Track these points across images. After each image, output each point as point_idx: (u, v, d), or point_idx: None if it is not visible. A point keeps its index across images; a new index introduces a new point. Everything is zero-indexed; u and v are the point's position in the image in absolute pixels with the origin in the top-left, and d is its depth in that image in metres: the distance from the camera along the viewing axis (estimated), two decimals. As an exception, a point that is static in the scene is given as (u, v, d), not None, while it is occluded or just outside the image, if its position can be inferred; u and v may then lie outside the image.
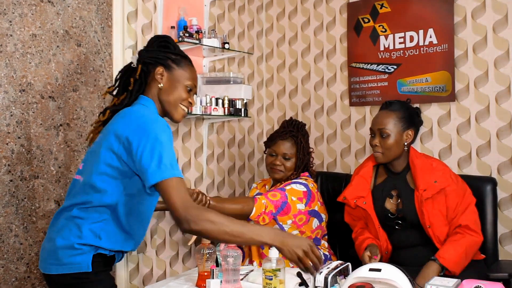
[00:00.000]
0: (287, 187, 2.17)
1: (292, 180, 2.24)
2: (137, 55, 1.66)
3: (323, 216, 2.25)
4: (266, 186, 2.42)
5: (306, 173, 2.33)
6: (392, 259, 2.08)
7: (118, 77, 1.69)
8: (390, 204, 2.10)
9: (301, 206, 2.15)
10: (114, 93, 1.69)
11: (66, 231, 1.51)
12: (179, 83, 1.62)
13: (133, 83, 1.61)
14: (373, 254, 1.94)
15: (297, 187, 2.18)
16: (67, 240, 1.50)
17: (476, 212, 2.04)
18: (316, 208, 2.21)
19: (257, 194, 2.35)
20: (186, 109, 1.66)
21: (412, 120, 2.13)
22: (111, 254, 1.57)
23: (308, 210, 2.17)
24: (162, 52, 1.63)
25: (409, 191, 2.06)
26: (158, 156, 1.41)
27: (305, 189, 2.19)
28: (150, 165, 1.40)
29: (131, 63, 1.65)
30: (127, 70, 1.67)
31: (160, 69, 1.61)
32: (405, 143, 2.09)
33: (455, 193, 2.00)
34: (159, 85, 1.61)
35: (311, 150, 2.38)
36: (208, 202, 1.94)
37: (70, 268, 1.49)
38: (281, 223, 2.13)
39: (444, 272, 1.90)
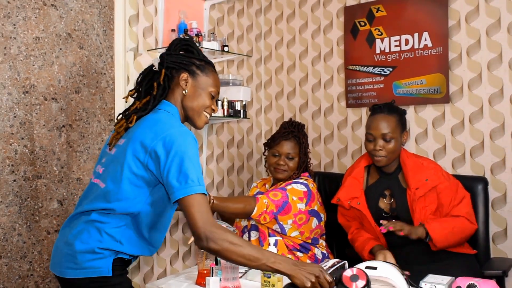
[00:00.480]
0: (288, 187, 2.21)
1: (293, 180, 2.28)
2: (158, 58, 1.62)
3: (322, 216, 2.29)
4: (266, 186, 2.46)
5: (306, 173, 2.37)
6: None
7: (139, 80, 1.64)
8: (383, 204, 2.14)
9: (301, 206, 2.19)
10: (135, 95, 1.65)
11: (85, 234, 1.49)
12: (203, 90, 1.60)
13: (156, 88, 1.57)
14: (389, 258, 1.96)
15: (298, 187, 2.22)
16: (87, 244, 1.47)
17: (470, 205, 2.08)
18: (315, 208, 2.25)
19: (257, 193, 2.38)
20: (208, 116, 1.64)
21: (405, 121, 2.18)
22: (130, 258, 1.56)
23: (308, 210, 2.21)
24: (186, 57, 1.60)
25: (402, 191, 2.10)
26: (185, 171, 1.40)
27: (305, 189, 2.23)
28: (177, 180, 1.40)
29: (153, 66, 1.61)
30: (149, 73, 1.62)
31: (184, 75, 1.58)
32: (403, 145, 2.15)
33: (448, 190, 2.05)
34: (183, 92, 1.58)
35: (308, 150, 2.43)
36: (212, 201, 1.98)
37: (90, 272, 1.47)
38: (281, 222, 2.17)
39: (429, 239, 1.95)
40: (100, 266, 1.47)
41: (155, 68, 1.60)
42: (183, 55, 1.61)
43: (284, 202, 2.15)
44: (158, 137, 1.45)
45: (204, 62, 1.62)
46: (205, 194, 1.43)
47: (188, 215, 1.40)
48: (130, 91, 1.66)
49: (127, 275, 1.61)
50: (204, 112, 1.62)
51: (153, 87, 1.58)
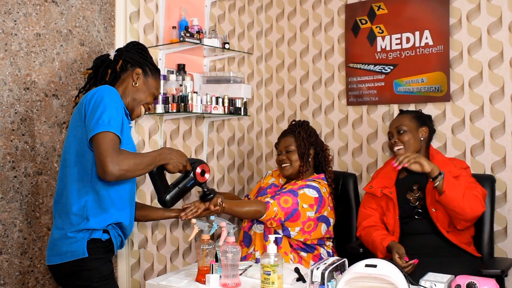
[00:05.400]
0: (300, 191, 2.21)
1: (306, 183, 2.27)
2: (115, 51, 1.84)
3: (331, 220, 2.30)
4: (281, 180, 2.47)
5: (322, 175, 2.37)
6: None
7: (98, 64, 1.84)
8: (411, 196, 2.20)
9: (311, 214, 2.19)
10: (92, 81, 1.84)
11: (59, 221, 1.67)
12: (149, 88, 1.83)
13: (109, 74, 1.79)
14: (403, 256, 1.97)
15: (309, 193, 2.22)
16: (62, 230, 1.64)
17: (484, 193, 2.12)
18: (325, 214, 2.26)
19: (272, 185, 2.41)
20: (144, 111, 1.85)
21: (422, 119, 2.28)
22: (106, 237, 1.66)
23: (317, 216, 2.22)
24: (142, 58, 1.83)
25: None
26: (99, 113, 1.56)
27: (316, 195, 2.23)
28: (91, 122, 1.56)
29: (109, 55, 1.82)
30: (104, 61, 1.82)
31: (139, 71, 1.80)
32: (422, 139, 2.23)
33: (464, 178, 2.11)
34: (133, 83, 1.80)
35: (326, 149, 2.43)
36: (222, 206, 2.00)
37: (68, 256, 1.61)
38: (288, 228, 2.18)
39: (441, 180, 1.98)
40: (75, 249, 1.61)
41: (110, 57, 1.81)
42: (140, 55, 1.83)
43: (293, 210, 2.16)
44: (88, 95, 1.65)
45: (155, 68, 1.86)
46: (116, 134, 1.57)
47: (96, 149, 1.55)
48: (88, 69, 1.87)
49: (110, 263, 1.72)
50: (142, 107, 1.83)
51: (107, 73, 1.80)
